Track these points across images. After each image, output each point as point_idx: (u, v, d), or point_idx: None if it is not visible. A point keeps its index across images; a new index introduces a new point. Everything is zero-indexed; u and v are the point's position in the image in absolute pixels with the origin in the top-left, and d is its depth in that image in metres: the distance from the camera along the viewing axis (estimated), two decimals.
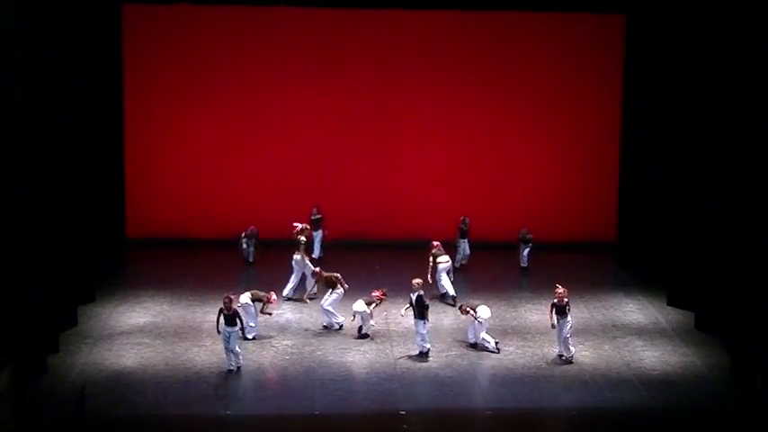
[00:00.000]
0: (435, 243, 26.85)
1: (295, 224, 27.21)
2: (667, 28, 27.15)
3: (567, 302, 22.86)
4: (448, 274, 26.62)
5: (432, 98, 31.07)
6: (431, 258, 26.47)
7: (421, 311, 22.93)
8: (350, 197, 30.95)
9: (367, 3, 28.20)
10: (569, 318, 22.79)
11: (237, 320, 22.13)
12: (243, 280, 27.51)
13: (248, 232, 28.98)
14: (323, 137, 31.06)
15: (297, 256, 26.51)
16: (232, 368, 22.11)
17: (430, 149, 31.30)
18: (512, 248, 29.38)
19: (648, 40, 28.63)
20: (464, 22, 30.33)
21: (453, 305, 25.68)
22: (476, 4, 27.14)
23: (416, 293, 23.09)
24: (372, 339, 23.97)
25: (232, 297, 22.42)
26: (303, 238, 26.81)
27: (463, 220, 28.94)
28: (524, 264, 29.14)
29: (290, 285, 26.43)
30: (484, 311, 23.42)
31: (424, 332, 22.99)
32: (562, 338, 22.85)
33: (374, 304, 24.13)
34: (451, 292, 26.34)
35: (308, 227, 27.77)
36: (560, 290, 22.86)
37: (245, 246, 28.99)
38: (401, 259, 28.86)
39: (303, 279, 26.58)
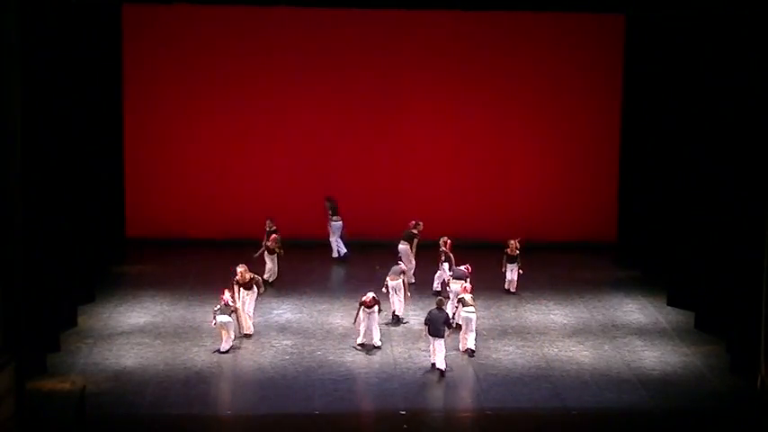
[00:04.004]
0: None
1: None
2: (667, 28, 27.13)
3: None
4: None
5: (432, 98, 31.07)
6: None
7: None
8: (349, 197, 30.89)
9: (367, 3, 28.20)
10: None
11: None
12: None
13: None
14: (323, 137, 31.07)
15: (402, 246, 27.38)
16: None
17: (430, 149, 31.31)
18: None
19: (648, 40, 28.61)
20: (464, 22, 30.30)
21: None
22: (476, 4, 27.10)
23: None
24: (372, 339, 23.98)
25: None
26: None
27: (516, 243, 27.51)
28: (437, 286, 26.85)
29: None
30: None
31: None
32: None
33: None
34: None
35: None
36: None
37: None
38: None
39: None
